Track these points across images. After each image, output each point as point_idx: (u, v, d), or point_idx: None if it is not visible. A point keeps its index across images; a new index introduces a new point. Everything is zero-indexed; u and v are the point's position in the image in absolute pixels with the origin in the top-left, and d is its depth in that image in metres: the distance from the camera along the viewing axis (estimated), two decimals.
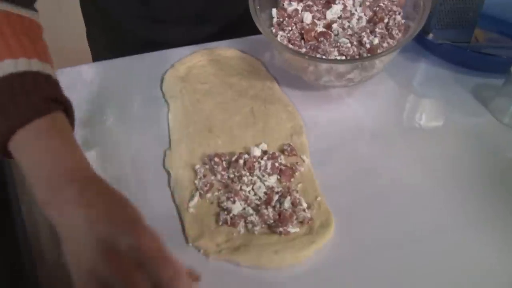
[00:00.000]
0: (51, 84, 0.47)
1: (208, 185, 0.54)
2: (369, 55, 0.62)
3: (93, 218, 0.39)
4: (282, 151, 0.59)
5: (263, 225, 0.52)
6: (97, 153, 0.61)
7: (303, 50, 0.64)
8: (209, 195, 0.55)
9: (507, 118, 0.67)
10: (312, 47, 0.64)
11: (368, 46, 0.63)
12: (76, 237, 0.39)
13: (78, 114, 0.64)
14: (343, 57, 0.63)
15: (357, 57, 0.63)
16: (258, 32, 0.65)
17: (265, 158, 0.57)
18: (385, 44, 0.64)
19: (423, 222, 0.54)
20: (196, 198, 0.54)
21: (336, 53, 0.63)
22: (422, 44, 0.79)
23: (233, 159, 0.57)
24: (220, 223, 0.52)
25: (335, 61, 0.63)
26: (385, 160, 0.62)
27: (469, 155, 0.63)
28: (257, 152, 0.58)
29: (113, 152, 0.61)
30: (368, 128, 0.67)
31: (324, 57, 0.62)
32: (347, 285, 0.48)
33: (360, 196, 0.57)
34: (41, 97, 0.44)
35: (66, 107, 0.47)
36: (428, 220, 0.54)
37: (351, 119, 0.68)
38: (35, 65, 0.46)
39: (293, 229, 0.51)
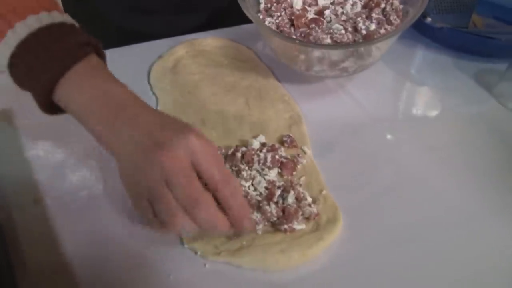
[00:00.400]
0: (78, 30, 0.48)
1: None
2: (360, 39, 0.59)
3: (149, 133, 0.42)
4: (282, 142, 0.56)
5: (266, 223, 0.48)
6: (80, 151, 0.56)
7: (294, 37, 0.60)
8: None
9: None
10: (302, 35, 0.60)
11: (364, 32, 0.59)
12: (134, 159, 0.42)
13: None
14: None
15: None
16: (248, 21, 0.61)
17: (264, 150, 0.53)
18: (382, 31, 0.60)
19: (433, 213, 0.51)
20: None
21: (329, 40, 0.58)
22: (419, 29, 0.75)
23: (230, 152, 0.53)
24: None
25: (328, 46, 0.58)
26: (389, 150, 0.58)
27: (475, 142, 0.60)
28: (255, 144, 0.54)
29: (97, 150, 0.56)
30: (369, 118, 0.63)
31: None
32: (361, 284, 0.45)
33: (365, 189, 0.53)
34: (74, 44, 0.46)
35: (96, 49, 0.49)
36: (438, 210, 0.51)
37: (350, 109, 0.64)
38: (57, 17, 0.47)
39: (299, 226, 0.47)
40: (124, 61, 0.69)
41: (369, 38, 0.58)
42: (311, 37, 0.59)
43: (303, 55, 0.59)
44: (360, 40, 0.59)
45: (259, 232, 0.47)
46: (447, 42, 0.72)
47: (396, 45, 0.75)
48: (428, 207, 0.52)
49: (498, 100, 0.65)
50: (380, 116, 0.63)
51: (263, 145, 0.54)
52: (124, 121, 0.43)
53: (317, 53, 0.58)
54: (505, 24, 0.78)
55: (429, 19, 0.74)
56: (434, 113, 0.65)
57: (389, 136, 0.60)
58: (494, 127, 0.62)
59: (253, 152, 0.52)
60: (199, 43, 0.71)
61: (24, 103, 0.62)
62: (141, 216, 0.45)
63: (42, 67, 0.45)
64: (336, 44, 0.58)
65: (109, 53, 0.70)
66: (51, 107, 0.48)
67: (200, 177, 0.42)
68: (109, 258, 0.46)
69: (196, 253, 0.46)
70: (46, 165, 0.55)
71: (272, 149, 0.53)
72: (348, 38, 0.59)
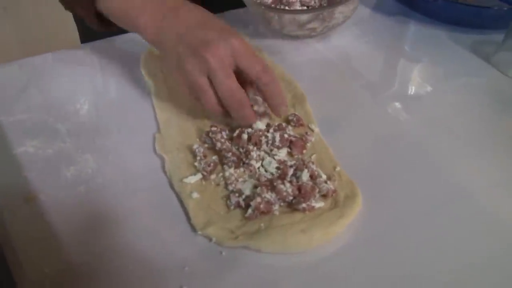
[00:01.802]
0: None
1: (212, 164, 0.47)
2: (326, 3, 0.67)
3: (194, 31, 0.48)
4: (288, 122, 0.53)
5: (282, 203, 0.45)
6: (71, 146, 0.53)
7: (270, 0, 0.68)
8: (213, 176, 0.48)
9: None
10: None
11: None
12: (181, 52, 0.48)
13: (47, 102, 0.58)
14: (305, 8, 0.67)
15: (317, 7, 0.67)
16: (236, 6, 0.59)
17: (271, 130, 0.50)
18: None
19: (450, 183, 0.49)
20: (198, 181, 0.47)
21: (298, 3, 0.67)
22: (411, 5, 0.74)
23: (235, 134, 0.50)
24: (232, 207, 0.45)
25: (293, 11, 0.65)
26: (396, 124, 0.57)
27: (481, 112, 0.59)
28: (261, 125, 0.51)
29: (92, 143, 0.53)
30: (370, 94, 0.61)
31: (287, 8, 0.67)
32: (387, 259, 0.42)
33: (379, 163, 0.51)
34: None
35: None
36: (455, 180, 0.49)
37: (350, 86, 0.62)
38: None
39: (317, 203, 0.44)
40: (117, 50, 0.67)
41: (332, 3, 0.66)
42: (284, 1, 0.68)
43: (276, 17, 0.66)
44: (325, 5, 0.68)
45: (276, 213, 0.44)
46: (441, 16, 0.72)
47: (388, 22, 0.74)
48: (442, 176, 0.50)
49: (498, 69, 0.64)
50: (381, 92, 0.62)
51: (268, 125, 0.52)
52: (166, 14, 0.50)
53: (287, 15, 0.65)
54: None
55: None
56: (434, 85, 0.64)
57: (391, 111, 0.59)
58: (496, 95, 0.61)
59: (260, 133, 0.50)
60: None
61: (6, 99, 0.59)
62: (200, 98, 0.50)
63: None
64: (304, 8, 0.67)
65: (102, 43, 0.68)
66: (99, 22, 0.55)
67: (242, 72, 0.48)
68: (115, 255, 0.43)
69: (210, 240, 0.43)
70: (36, 161, 0.51)
71: (280, 128, 0.50)
72: (314, 2, 0.68)
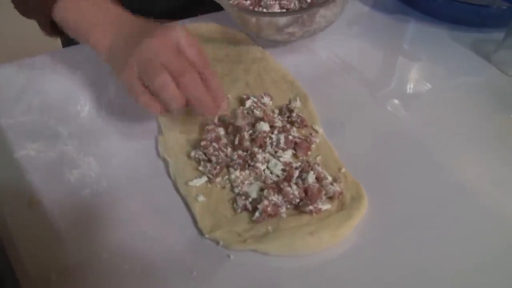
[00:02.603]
0: None
1: (218, 167, 0.47)
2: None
3: (140, 31, 0.48)
4: (292, 123, 0.53)
5: (289, 206, 0.45)
6: (74, 148, 0.52)
7: (248, 2, 0.63)
8: (218, 179, 0.47)
9: None
10: (256, 0, 0.64)
11: (308, 0, 0.62)
12: (127, 48, 0.47)
13: (47, 104, 0.57)
14: (284, 10, 0.62)
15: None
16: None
17: (276, 132, 0.50)
18: None
19: (453, 182, 0.50)
20: (204, 184, 0.47)
21: (277, 6, 0.63)
22: (411, 4, 0.74)
23: (236, 142, 0.49)
24: (239, 210, 0.44)
25: (268, 14, 0.61)
26: (397, 122, 0.57)
27: (482, 111, 0.59)
28: (265, 127, 0.51)
29: (95, 145, 0.52)
30: (370, 94, 0.61)
31: (265, 10, 0.62)
32: (396, 260, 0.42)
33: (381, 162, 0.52)
34: None
35: None
36: (459, 179, 0.50)
37: (351, 86, 0.62)
38: None
39: (324, 205, 0.44)
40: None
41: (313, 5, 0.61)
42: (262, 3, 0.63)
43: (254, 19, 0.61)
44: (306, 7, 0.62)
45: (283, 216, 0.44)
46: (440, 14, 0.72)
47: (387, 20, 0.74)
48: (446, 176, 0.50)
49: (498, 68, 0.65)
50: (381, 91, 0.62)
51: (271, 127, 0.51)
52: (117, 26, 0.50)
53: (265, 18, 0.60)
54: None
55: None
56: (434, 84, 0.64)
57: (392, 109, 0.59)
58: (496, 94, 0.62)
59: (264, 135, 0.49)
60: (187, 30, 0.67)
61: (5, 100, 0.58)
62: (134, 96, 0.48)
63: None
64: (283, 11, 0.62)
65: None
66: (51, 29, 0.55)
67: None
68: (122, 260, 0.42)
69: (218, 243, 0.43)
70: (39, 165, 0.50)
71: (284, 130, 0.50)
72: (294, 5, 0.63)
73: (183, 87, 0.45)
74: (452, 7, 0.69)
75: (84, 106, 0.57)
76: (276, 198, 0.44)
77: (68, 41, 0.78)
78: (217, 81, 0.48)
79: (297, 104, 0.55)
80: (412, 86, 0.64)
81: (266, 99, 0.55)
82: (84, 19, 0.52)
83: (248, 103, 0.53)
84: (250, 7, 0.62)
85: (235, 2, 0.62)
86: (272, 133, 0.50)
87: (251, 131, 0.50)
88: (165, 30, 0.47)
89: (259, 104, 0.54)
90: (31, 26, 0.59)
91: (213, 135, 0.49)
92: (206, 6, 0.72)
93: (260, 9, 0.63)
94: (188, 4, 0.76)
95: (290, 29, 0.61)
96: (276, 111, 0.54)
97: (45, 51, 0.65)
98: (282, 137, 0.49)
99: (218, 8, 0.68)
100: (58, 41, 0.77)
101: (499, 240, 0.45)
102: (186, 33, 0.47)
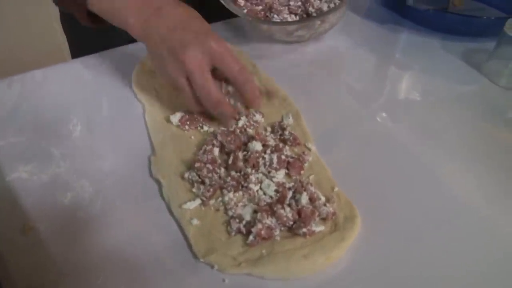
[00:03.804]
0: None
1: (211, 189, 0.47)
2: (313, 13, 0.67)
3: (173, 31, 0.52)
4: (284, 141, 0.53)
5: (282, 228, 0.45)
6: (68, 169, 0.52)
7: (260, 7, 0.68)
8: (212, 201, 0.47)
9: (504, 79, 0.64)
10: (267, 5, 0.69)
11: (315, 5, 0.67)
12: (161, 53, 0.52)
13: (39, 124, 0.57)
14: (293, 16, 0.68)
15: (305, 15, 0.68)
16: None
17: (268, 151, 0.50)
18: (331, 5, 0.66)
19: (447, 197, 0.50)
20: (198, 206, 0.47)
21: (286, 10, 0.68)
22: (402, 13, 0.75)
23: (230, 161, 0.49)
24: (233, 233, 0.45)
25: (276, 23, 0.67)
26: (388, 137, 0.57)
27: (473, 122, 0.59)
28: (258, 146, 0.51)
29: (88, 167, 0.52)
30: (363, 107, 0.61)
31: (276, 15, 0.67)
32: (389, 280, 0.43)
33: (373, 181, 0.51)
34: None
35: None
36: (453, 194, 0.50)
37: (343, 100, 0.63)
38: None
39: (318, 227, 0.44)
40: (109, 66, 0.66)
41: (319, 11, 0.66)
42: (273, 10, 0.68)
43: (266, 26, 0.69)
44: (313, 11, 0.67)
45: (278, 238, 0.44)
46: (432, 24, 0.72)
47: (380, 30, 0.75)
48: (439, 191, 0.51)
49: (489, 78, 0.65)
50: (373, 103, 0.62)
51: (264, 146, 0.51)
52: (154, 19, 0.53)
53: (275, 26, 0.67)
54: (479, 3, 0.79)
55: (410, 1, 0.73)
56: (426, 96, 0.64)
57: (386, 123, 0.59)
58: (487, 105, 0.62)
59: (257, 155, 0.50)
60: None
61: None
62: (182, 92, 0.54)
63: None
64: (292, 16, 0.68)
65: (92, 59, 0.67)
66: (89, 18, 0.58)
67: (220, 72, 0.53)
68: (117, 285, 0.42)
69: (212, 267, 0.43)
70: (32, 188, 0.50)
71: (277, 149, 0.50)
72: (301, 10, 0.68)
73: (207, 106, 0.53)
74: (443, 17, 0.70)
75: (76, 125, 0.57)
76: (269, 221, 0.44)
77: (76, 53, 0.79)
78: (253, 84, 0.53)
79: (289, 121, 0.55)
80: (403, 97, 0.65)
81: (258, 117, 0.55)
82: (120, 5, 0.55)
83: (241, 123, 0.53)
84: (262, 12, 0.68)
85: (248, 8, 0.68)
86: (265, 152, 0.50)
87: (244, 152, 0.50)
88: (200, 43, 0.51)
89: (252, 123, 0.54)
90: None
91: (209, 156, 0.49)
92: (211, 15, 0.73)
93: (271, 13, 0.68)
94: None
95: (299, 33, 0.68)
96: (269, 129, 0.54)
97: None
98: (275, 157, 0.49)
99: (220, 14, 0.69)
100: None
101: (497, 257, 0.45)
102: (219, 42, 0.51)
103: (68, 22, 0.81)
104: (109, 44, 0.67)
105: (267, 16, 0.68)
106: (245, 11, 0.67)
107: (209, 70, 0.52)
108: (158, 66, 0.55)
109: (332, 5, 0.66)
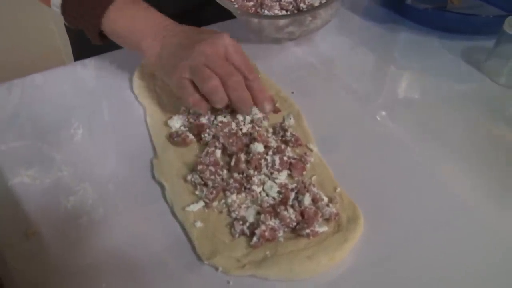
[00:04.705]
0: None
1: (214, 192, 0.47)
2: (304, 9, 0.65)
3: (189, 37, 0.54)
4: (286, 142, 0.53)
5: (286, 229, 0.45)
6: (70, 173, 0.52)
7: (251, 3, 0.68)
8: (215, 203, 0.47)
9: (503, 78, 0.64)
10: (258, 1, 0.68)
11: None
12: (177, 52, 0.53)
13: (40, 128, 0.57)
14: (284, 12, 0.67)
15: (296, 11, 0.66)
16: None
17: (270, 153, 0.50)
18: (323, 0, 0.65)
19: (448, 197, 0.50)
20: (201, 209, 0.47)
21: (277, 6, 0.67)
22: (401, 12, 0.75)
23: (232, 163, 0.49)
24: (237, 235, 0.45)
25: (265, 16, 0.66)
26: (390, 136, 0.57)
27: (473, 120, 0.59)
28: (260, 148, 0.51)
29: (90, 170, 0.52)
30: (363, 107, 0.61)
31: (266, 11, 0.66)
32: (392, 281, 0.43)
33: (375, 181, 0.51)
34: None
35: None
36: (454, 193, 0.50)
37: (343, 100, 0.63)
38: None
39: (321, 228, 0.44)
40: (104, 71, 0.66)
41: (310, 7, 0.65)
42: (264, 6, 0.67)
43: (256, 20, 0.67)
44: (304, 7, 0.66)
45: (281, 240, 0.44)
46: (431, 23, 0.72)
47: (378, 29, 0.75)
48: (442, 190, 0.51)
49: (489, 77, 0.65)
50: (373, 103, 0.63)
51: (266, 147, 0.51)
52: (165, 34, 0.55)
53: (266, 20, 0.66)
54: (478, 1, 0.79)
55: (409, 0, 0.73)
56: (426, 95, 0.64)
57: (386, 122, 0.59)
58: (487, 103, 0.62)
59: (259, 156, 0.50)
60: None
61: None
62: (184, 96, 0.53)
63: (91, 2, 0.56)
64: (283, 12, 0.67)
65: (92, 61, 0.67)
66: (100, 37, 0.58)
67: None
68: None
69: (217, 269, 0.43)
70: (34, 193, 0.50)
71: (279, 150, 0.50)
72: (293, 6, 0.67)
73: (229, 89, 0.51)
74: (442, 16, 0.70)
75: (77, 129, 0.57)
76: (273, 222, 0.44)
77: (78, 52, 0.79)
78: (260, 84, 0.54)
79: (290, 122, 0.55)
80: (403, 96, 0.65)
81: (265, 123, 0.55)
82: (135, 28, 0.56)
83: (245, 129, 0.53)
84: (253, 8, 0.67)
85: (239, 4, 0.67)
86: (267, 153, 0.50)
87: (246, 154, 0.51)
88: (215, 38, 0.52)
89: (257, 128, 0.53)
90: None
91: (212, 158, 0.49)
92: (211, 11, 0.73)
93: (262, 9, 0.67)
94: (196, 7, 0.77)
95: (290, 29, 0.66)
96: (270, 130, 0.55)
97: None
98: (277, 158, 0.49)
99: (219, 15, 0.70)
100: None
101: (499, 256, 0.45)
102: (232, 40, 0.53)
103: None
104: (112, 43, 0.67)
105: (258, 12, 0.67)
106: (236, 6, 0.66)
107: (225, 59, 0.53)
108: (172, 69, 0.53)
109: (323, 1, 0.65)
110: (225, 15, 0.70)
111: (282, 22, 0.66)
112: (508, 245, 0.46)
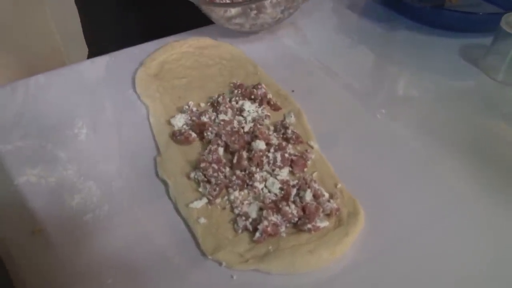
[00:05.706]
0: None
1: (217, 188, 0.48)
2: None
3: None
4: (287, 140, 0.54)
5: (288, 224, 0.46)
6: (75, 172, 0.53)
7: None
8: (218, 200, 0.48)
9: (501, 75, 0.65)
10: None
11: None
12: None
13: (45, 128, 0.57)
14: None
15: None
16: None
17: (272, 150, 0.51)
18: None
19: (449, 191, 0.51)
20: (204, 205, 0.48)
21: None
22: (399, 10, 0.75)
23: (235, 160, 0.50)
24: (240, 231, 0.45)
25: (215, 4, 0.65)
26: (389, 132, 0.58)
27: (472, 117, 0.60)
28: (261, 145, 0.52)
29: (94, 169, 0.53)
30: (363, 104, 0.62)
31: (218, 1, 0.65)
32: (393, 274, 0.44)
33: (375, 177, 0.52)
34: None
35: None
36: (454, 189, 0.51)
37: (342, 97, 0.63)
38: None
39: (322, 223, 0.45)
40: (107, 70, 0.66)
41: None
42: None
43: (208, 10, 0.67)
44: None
45: (283, 235, 0.45)
46: (429, 21, 0.73)
47: (377, 28, 0.75)
48: (442, 185, 0.51)
49: (486, 74, 0.66)
50: (372, 100, 0.63)
51: (267, 145, 0.52)
52: None
53: (215, 9, 0.66)
54: None
55: None
56: (424, 92, 0.65)
57: (385, 120, 0.60)
58: (485, 100, 0.63)
59: (261, 154, 0.50)
60: (180, 46, 0.68)
61: (1, 125, 0.58)
62: None
63: None
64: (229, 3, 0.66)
65: (95, 62, 0.68)
66: None
67: None
68: (126, 285, 0.43)
69: (220, 264, 0.44)
70: (40, 191, 0.51)
71: (280, 148, 0.51)
72: None
73: None
74: (440, 14, 0.71)
75: (81, 128, 0.58)
76: (275, 218, 0.45)
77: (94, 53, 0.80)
78: None
79: (291, 120, 0.56)
80: (401, 94, 0.66)
81: (267, 121, 0.56)
82: None
83: (247, 127, 0.54)
84: None
85: None
86: (269, 151, 0.51)
87: (248, 151, 0.51)
88: None
89: (259, 127, 0.54)
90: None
91: (214, 156, 0.50)
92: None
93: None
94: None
95: (238, 20, 0.67)
96: (272, 127, 0.55)
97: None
98: (278, 155, 0.50)
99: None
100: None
101: (499, 250, 0.46)
102: None
103: (84, 9, 0.82)
104: (126, 32, 0.67)
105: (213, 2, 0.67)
106: None
107: None
108: None
109: None
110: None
111: (229, 12, 0.66)
112: (507, 241, 0.47)
